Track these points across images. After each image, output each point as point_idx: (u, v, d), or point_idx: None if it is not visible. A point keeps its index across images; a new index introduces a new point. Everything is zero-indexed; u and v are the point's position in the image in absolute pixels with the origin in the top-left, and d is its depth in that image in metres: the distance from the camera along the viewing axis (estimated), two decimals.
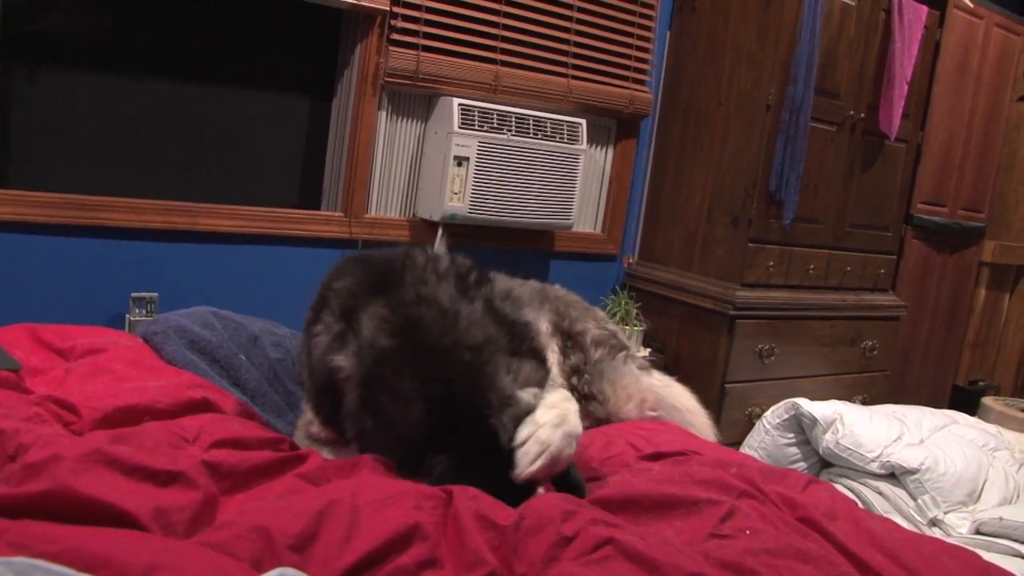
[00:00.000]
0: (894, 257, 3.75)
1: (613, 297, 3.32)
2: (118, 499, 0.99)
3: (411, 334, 1.42)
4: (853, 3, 3.18)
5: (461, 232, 2.92)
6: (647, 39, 3.29)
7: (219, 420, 1.34)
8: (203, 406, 1.39)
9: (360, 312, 1.47)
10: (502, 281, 1.91)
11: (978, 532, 2.45)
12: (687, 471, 1.44)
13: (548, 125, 2.99)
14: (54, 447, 1.11)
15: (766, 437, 2.87)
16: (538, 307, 1.96)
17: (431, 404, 1.36)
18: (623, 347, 2.07)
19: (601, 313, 2.19)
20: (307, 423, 1.58)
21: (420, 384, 1.37)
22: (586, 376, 1.94)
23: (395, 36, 2.72)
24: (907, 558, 1.20)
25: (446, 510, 1.10)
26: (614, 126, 3.36)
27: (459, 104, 2.79)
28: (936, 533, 2.32)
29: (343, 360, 1.46)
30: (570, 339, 1.98)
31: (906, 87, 3.36)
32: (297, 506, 1.02)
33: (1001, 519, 2.41)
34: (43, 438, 1.14)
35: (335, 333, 1.49)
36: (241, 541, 0.95)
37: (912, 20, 3.32)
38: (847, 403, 2.93)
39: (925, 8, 3.39)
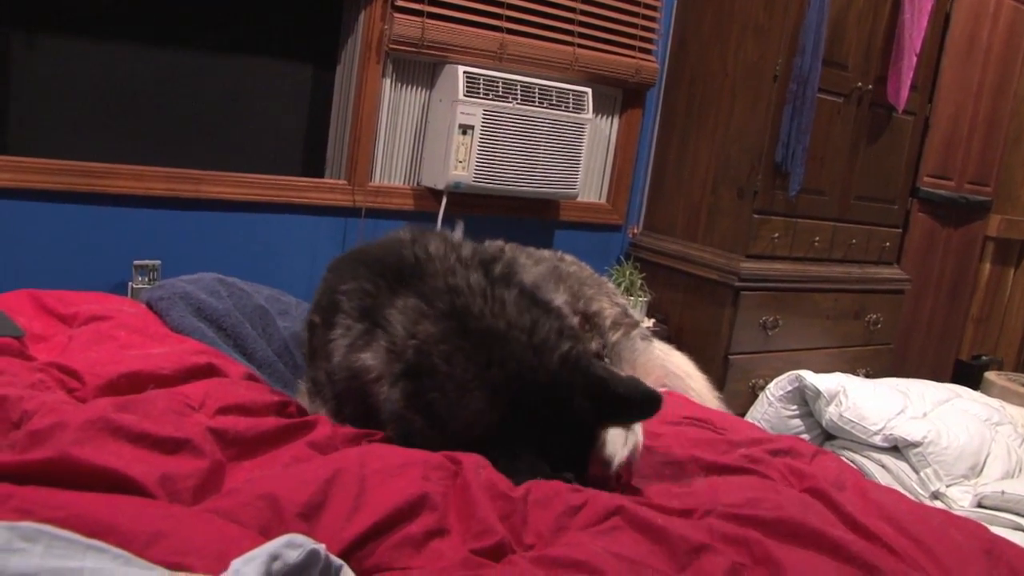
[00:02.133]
0: (899, 230, 3.73)
1: (617, 267, 3.31)
2: (123, 466, 0.98)
3: (462, 319, 1.33)
4: None
5: (465, 201, 2.90)
6: (654, 8, 3.25)
7: (225, 385, 1.33)
8: (208, 371, 1.38)
9: (384, 309, 1.38)
10: (515, 251, 1.88)
11: (980, 505, 2.45)
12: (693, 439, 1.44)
13: (553, 94, 2.96)
14: (59, 414, 1.10)
15: (769, 409, 2.88)
16: (554, 288, 1.90)
17: (495, 392, 1.27)
18: (635, 324, 2.06)
19: (611, 285, 2.18)
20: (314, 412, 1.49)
21: (480, 370, 1.27)
22: (606, 359, 1.92)
23: (400, 3, 2.68)
24: (914, 529, 1.20)
25: (454, 480, 1.09)
26: (620, 96, 3.33)
27: (464, 72, 2.76)
28: (938, 506, 2.32)
29: (371, 359, 1.35)
30: (587, 321, 1.96)
31: (915, 59, 3.33)
32: (305, 474, 1.02)
33: (1003, 493, 2.42)
34: (47, 405, 1.13)
35: (358, 332, 1.40)
36: (248, 509, 0.95)
37: None
38: (850, 376, 2.93)
39: None
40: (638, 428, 1.31)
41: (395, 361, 1.33)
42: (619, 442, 1.26)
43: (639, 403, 1.31)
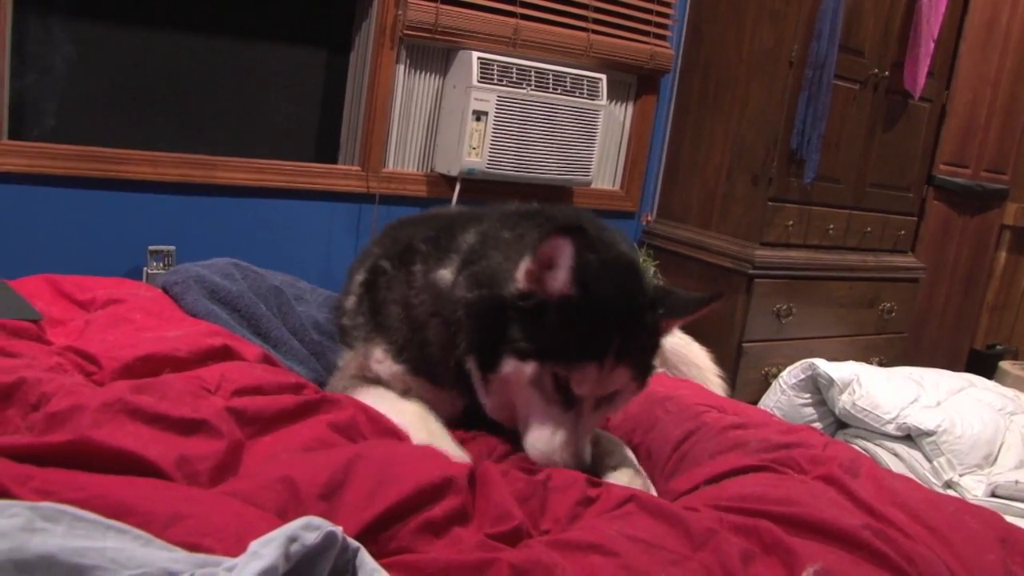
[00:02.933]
0: (915, 218, 3.71)
1: None
2: (141, 448, 0.99)
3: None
4: None
5: (479, 187, 2.90)
6: None
7: (240, 368, 1.34)
8: (223, 354, 1.39)
9: (456, 240, 1.45)
10: None
11: (993, 495, 2.45)
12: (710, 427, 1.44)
13: (568, 80, 2.95)
14: (77, 397, 1.11)
15: (782, 397, 2.87)
16: None
17: None
18: None
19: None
20: (376, 361, 1.50)
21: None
22: None
23: None
24: (928, 516, 1.20)
25: (476, 464, 1.10)
26: (634, 82, 3.32)
27: (478, 58, 2.76)
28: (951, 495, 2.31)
29: (448, 272, 1.40)
30: None
31: (932, 45, 3.30)
32: (323, 458, 1.02)
33: (1017, 483, 2.41)
34: (65, 387, 1.14)
35: (435, 259, 1.44)
36: (266, 492, 0.95)
37: None
38: (864, 364, 2.92)
39: None
40: None
41: (464, 265, 1.39)
42: None
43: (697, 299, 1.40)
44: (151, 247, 2.47)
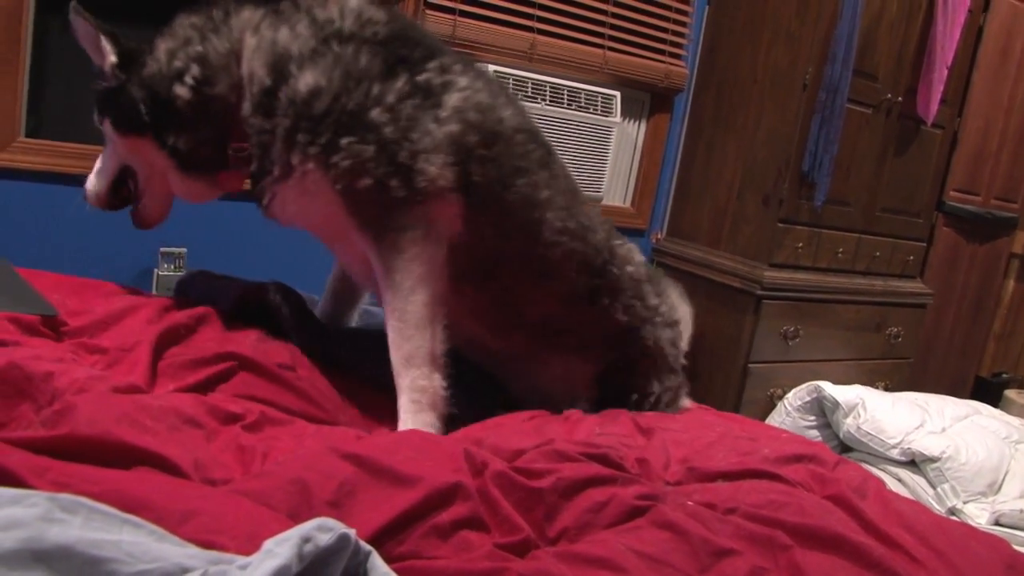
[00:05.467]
0: (923, 244, 3.71)
1: None
2: (158, 446, 0.99)
3: None
4: None
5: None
6: (685, 12, 3.26)
7: (253, 378, 1.34)
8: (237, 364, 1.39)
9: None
10: None
11: (997, 523, 2.44)
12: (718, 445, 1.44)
13: (582, 96, 2.97)
14: (91, 392, 1.12)
15: (787, 419, 2.87)
16: None
17: None
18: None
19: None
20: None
21: None
22: None
23: (432, 0, 2.69)
24: (936, 540, 1.20)
25: (482, 473, 1.10)
26: (648, 100, 3.34)
27: (494, 71, 2.77)
28: None
29: None
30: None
31: (946, 72, 3.31)
32: (335, 461, 1.03)
33: (1022, 511, 2.41)
34: (79, 382, 1.15)
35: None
36: (279, 493, 0.96)
37: (956, 3, 3.26)
38: (869, 388, 2.92)
39: None
40: None
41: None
42: None
43: None
44: (163, 248, 2.48)
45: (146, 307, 1.48)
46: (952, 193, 3.76)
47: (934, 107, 3.34)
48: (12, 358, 1.13)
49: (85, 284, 1.69)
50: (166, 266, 2.48)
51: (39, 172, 2.32)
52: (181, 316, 1.45)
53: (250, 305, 1.58)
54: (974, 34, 3.54)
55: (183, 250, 2.50)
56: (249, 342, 1.41)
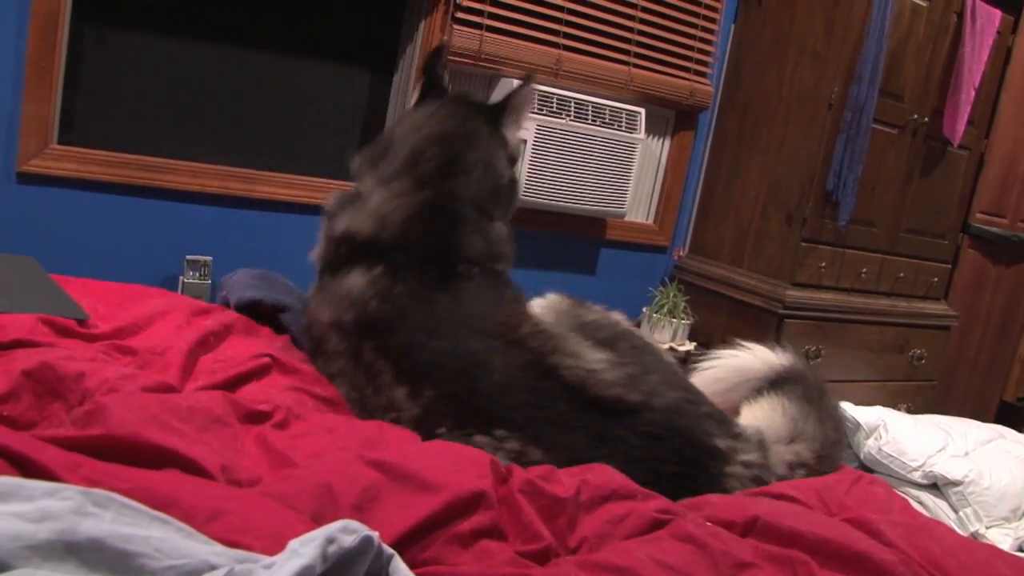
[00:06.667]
0: (948, 266, 3.69)
1: (662, 289, 3.30)
2: (186, 448, 1.00)
3: None
4: (924, 4, 3.12)
5: (513, 214, 2.91)
6: (711, 31, 3.26)
7: (274, 385, 1.36)
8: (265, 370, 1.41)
9: None
10: None
11: (1020, 549, 2.41)
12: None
13: (607, 112, 2.98)
14: (121, 392, 1.13)
15: None
16: None
17: None
18: None
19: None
20: None
21: None
22: None
23: (460, 15, 2.72)
24: (962, 559, 1.19)
25: (506, 482, 1.10)
26: (672, 117, 3.34)
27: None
28: None
29: None
30: None
31: (973, 93, 3.30)
32: (360, 466, 1.03)
33: None
34: (109, 382, 1.16)
35: None
36: (304, 496, 0.96)
37: (984, 24, 3.25)
38: (891, 410, 2.89)
39: (999, 12, 3.32)
40: None
41: None
42: None
43: None
44: (188, 256, 2.50)
45: (174, 311, 1.49)
46: (978, 215, 3.73)
47: (961, 128, 3.32)
48: (45, 358, 1.15)
49: (114, 288, 1.71)
50: (191, 274, 2.51)
51: (70, 179, 2.35)
52: (211, 322, 1.47)
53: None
54: (1002, 56, 3.52)
55: (208, 258, 2.53)
56: (275, 347, 1.42)
